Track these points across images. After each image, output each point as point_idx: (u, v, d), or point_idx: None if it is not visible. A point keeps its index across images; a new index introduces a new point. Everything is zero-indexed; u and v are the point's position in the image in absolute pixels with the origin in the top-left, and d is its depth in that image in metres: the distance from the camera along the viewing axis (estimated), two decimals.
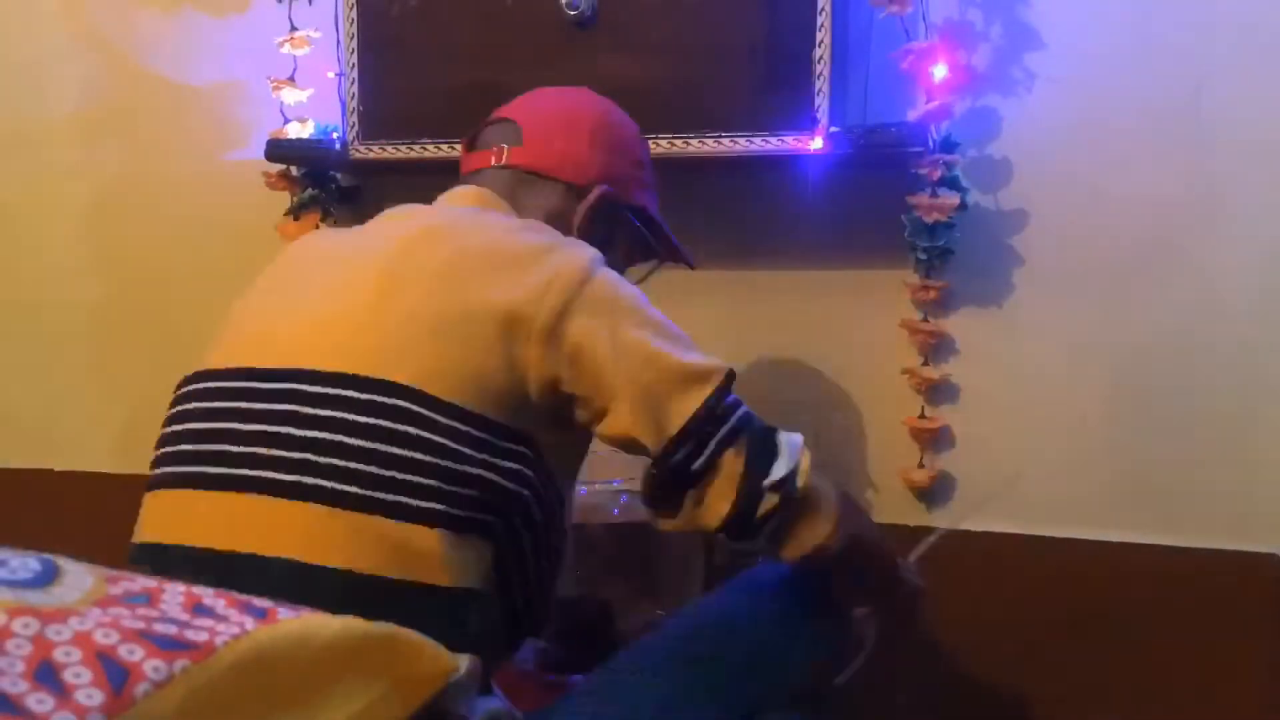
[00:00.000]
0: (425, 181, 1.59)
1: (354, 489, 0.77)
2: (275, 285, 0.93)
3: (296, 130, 1.54)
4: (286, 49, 1.52)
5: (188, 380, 0.90)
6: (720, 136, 1.31)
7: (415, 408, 0.79)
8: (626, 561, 1.26)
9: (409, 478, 0.78)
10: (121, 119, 1.76)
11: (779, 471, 0.86)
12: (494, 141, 1.05)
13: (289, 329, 0.86)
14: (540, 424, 0.85)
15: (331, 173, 1.57)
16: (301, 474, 0.78)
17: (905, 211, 1.34)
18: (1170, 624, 1.38)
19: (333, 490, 0.77)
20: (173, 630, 0.49)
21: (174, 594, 0.53)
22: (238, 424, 0.82)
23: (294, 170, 1.56)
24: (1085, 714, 1.43)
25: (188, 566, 0.79)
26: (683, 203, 1.50)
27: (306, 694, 0.53)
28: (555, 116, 1.06)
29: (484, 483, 0.81)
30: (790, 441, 0.89)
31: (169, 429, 0.88)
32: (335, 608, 0.64)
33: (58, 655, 0.45)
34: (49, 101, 1.79)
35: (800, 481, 0.87)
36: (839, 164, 1.33)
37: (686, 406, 0.85)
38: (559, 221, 1.00)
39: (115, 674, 0.45)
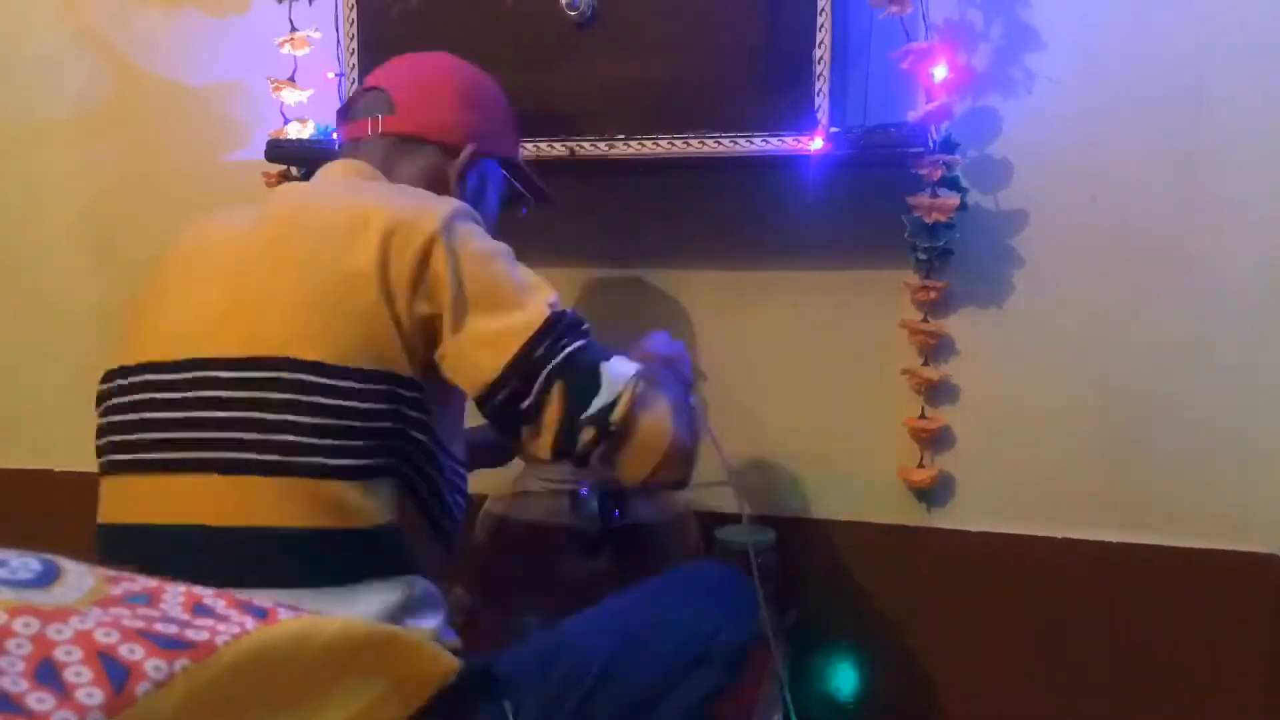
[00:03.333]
0: None
1: (277, 457, 0.87)
2: (171, 281, 1.00)
3: (296, 130, 1.53)
4: (286, 49, 1.52)
5: (108, 376, 1.01)
6: (720, 136, 1.31)
7: (318, 379, 0.88)
8: (629, 564, 1.26)
9: (323, 441, 0.88)
10: (121, 119, 1.76)
11: (595, 405, 0.92)
12: (368, 111, 1.12)
13: (188, 322, 0.95)
14: (417, 366, 0.93)
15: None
16: (228, 450, 0.88)
17: (905, 212, 1.34)
18: (1170, 624, 1.38)
19: (259, 462, 0.87)
20: (173, 630, 0.49)
21: (174, 594, 0.53)
22: (158, 413, 0.92)
23: (294, 170, 1.56)
24: (1084, 713, 1.43)
25: (148, 542, 0.91)
26: (683, 202, 1.51)
27: (306, 694, 0.53)
28: (422, 82, 1.14)
29: (388, 432, 0.91)
30: (613, 374, 0.94)
31: (102, 421, 0.99)
32: (276, 560, 0.85)
33: (58, 654, 0.45)
34: (49, 101, 1.79)
35: (617, 414, 0.93)
36: (839, 164, 1.33)
37: (506, 351, 0.92)
38: (435, 182, 1.09)
39: (116, 673, 0.45)
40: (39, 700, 0.42)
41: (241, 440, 0.88)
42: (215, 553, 0.87)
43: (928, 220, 1.33)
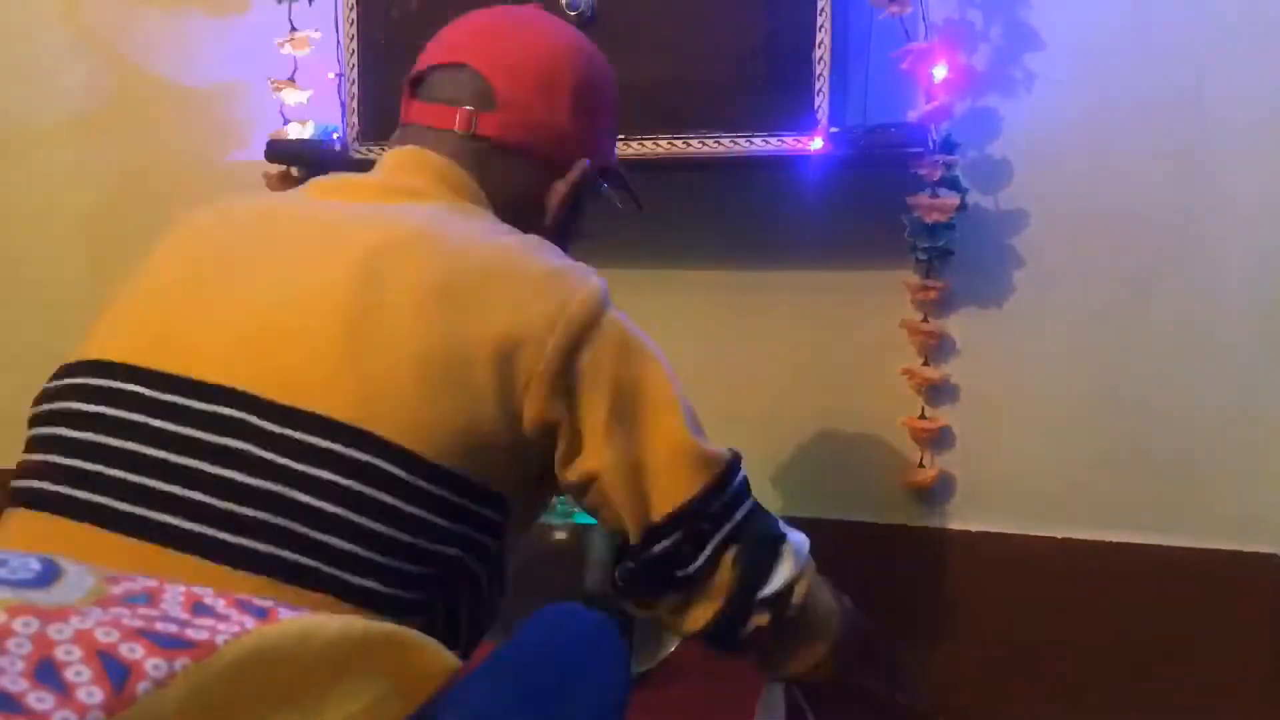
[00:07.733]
0: None
1: (314, 564, 0.66)
2: (187, 269, 0.78)
3: (297, 131, 1.54)
4: (286, 49, 1.52)
5: (71, 370, 0.75)
6: (720, 136, 1.31)
7: (398, 471, 0.68)
8: None
9: (376, 558, 0.67)
10: (121, 119, 1.76)
11: (775, 584, 0.76)
12: (454, 96, 0.88)
13: (223, 333, 0.71)
14: (518, 481, 0.75)
15: (332, 173, 1.57)
16: (254, 538, 0.65)
17: (905, 212, 1.34)
18: (1170, 624, 1.38)
19: (291, 563, 0.65)
20: (173, 629, 0.49)
21: (174, 594, 0.53)
22: (160, 451, 0.68)
23: (294, 171, 1.56)
24: (1085, 714, 1.43)
25: None
26: (683, 203, 1.51)
27: (307, 693, 0.53)
28: (531, 74, 0.88)
29: (449, 560, 0.71)
30: (795, 549, 0.79)
31: (47, 430, 0.73)
32: None
33: (58, 654, 0.45)
34: (49, 102, 1.79)
35: (796, 599, 0.78)
36: (839, 164, 1.33)
37: (680, 492, 0.74)
38: (528, 204, 0.89)
39: (116, 672, 0.45)
40: (39, 699, 0.42)
41: (270, 526, 0.65)
42: None
43: (928, 220, 1.33)
